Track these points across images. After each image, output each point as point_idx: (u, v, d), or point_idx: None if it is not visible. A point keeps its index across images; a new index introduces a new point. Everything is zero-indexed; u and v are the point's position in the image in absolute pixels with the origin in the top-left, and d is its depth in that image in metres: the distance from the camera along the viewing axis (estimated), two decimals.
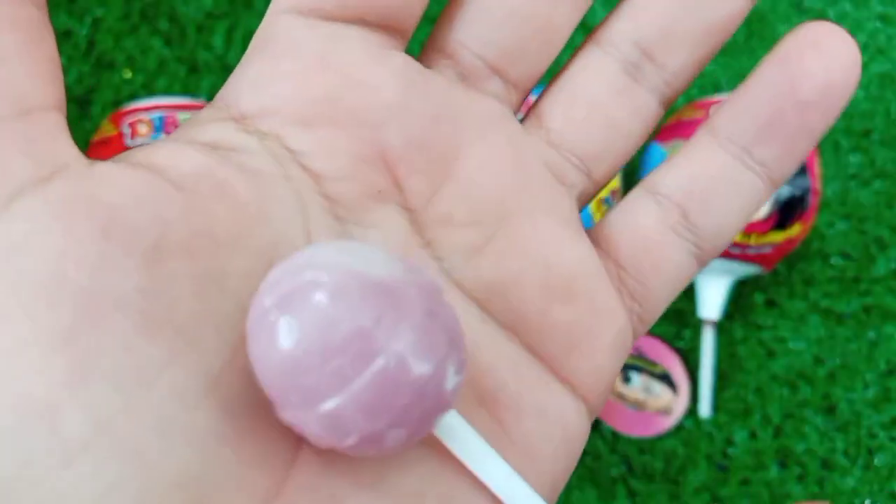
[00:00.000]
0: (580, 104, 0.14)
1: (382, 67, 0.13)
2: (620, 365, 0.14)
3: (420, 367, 0.10)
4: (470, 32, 0.14)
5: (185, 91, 0.44)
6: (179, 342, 0.10)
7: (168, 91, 0.44)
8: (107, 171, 0.11)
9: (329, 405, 0.10)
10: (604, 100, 0.14)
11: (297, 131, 0.12)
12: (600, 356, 0.14)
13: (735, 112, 0.14)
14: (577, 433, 0.14)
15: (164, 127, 0.35)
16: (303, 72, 0.12)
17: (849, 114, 0.46)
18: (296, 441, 0.11)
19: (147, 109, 0.35)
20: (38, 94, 0.11)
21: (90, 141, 0.37)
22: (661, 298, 0.15)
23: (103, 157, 0.37)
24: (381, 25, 0.13)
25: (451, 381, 0.11)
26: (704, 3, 0.14)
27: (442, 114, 0.13)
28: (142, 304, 0.10)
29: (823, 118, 0.14)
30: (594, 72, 0.14)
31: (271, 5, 0.13)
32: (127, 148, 0.34)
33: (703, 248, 0.15)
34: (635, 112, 0.15)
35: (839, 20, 0.48)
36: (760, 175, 0.14)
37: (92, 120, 0.43)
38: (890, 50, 0.48)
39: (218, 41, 0.45)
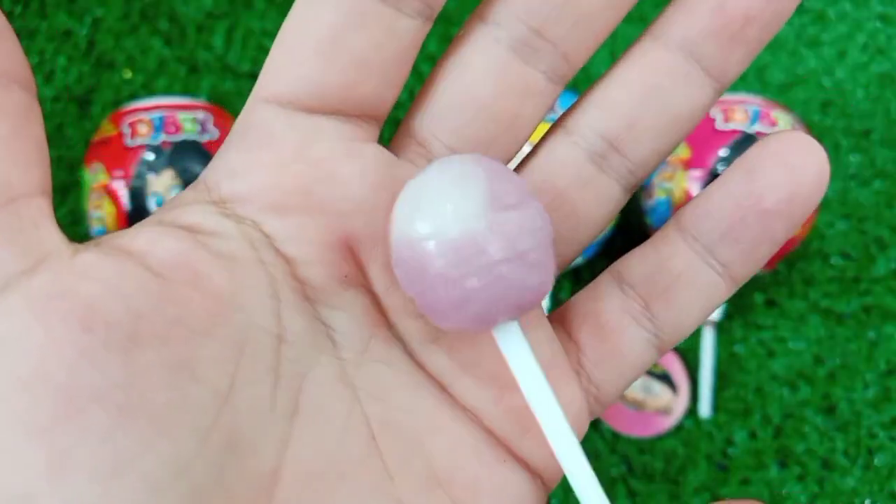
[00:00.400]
0: (546, 193, 0.15)
1: (353, 161, 0.13)
2: None
3: (505, 265, 0.12)
4: (440, 125, 0.14)
5: (185, 91, 0.44)
6: (152, 431, 0.11)
7: (168, 91, 0.44)
8: (87, 260, 0.12)
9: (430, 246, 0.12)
10: (569, 190, 0.15)
11: (271, 218, 0.13)
12: None
13: (702, 212, 0.15)
14: None
15: (163, 127, 0.35)
16: (278, 163, 0.13)
17: (849, 114, 0.46)
18: None
19: (147, 109, 0.35)
20: (24, 181, 0.12)
21: (90, 141, 0.37)
22: (618, 383, 0.15)
23: (103, 157, 0.37)
24: (357, 115, 0.14)
25: (531, 291, 0.13)
26: (668, 97, 0.14)
27: None
28: (117, 396, 0.11)
29: (786, 226, 0.14)
30: (561, 160, 0.15)
31: (253, 93, 0.14)
32: (127, 148, 0.34)
33: (661, 338, 0.15)
34: (599, 201, 0.15)
35: (839, 20, 0.48)
36: (722, 275, 0.15)
37: (92, 120, 0.43)
38: (890, 50, 0.48)
39: (218, 41, 0.45)
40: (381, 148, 0.14)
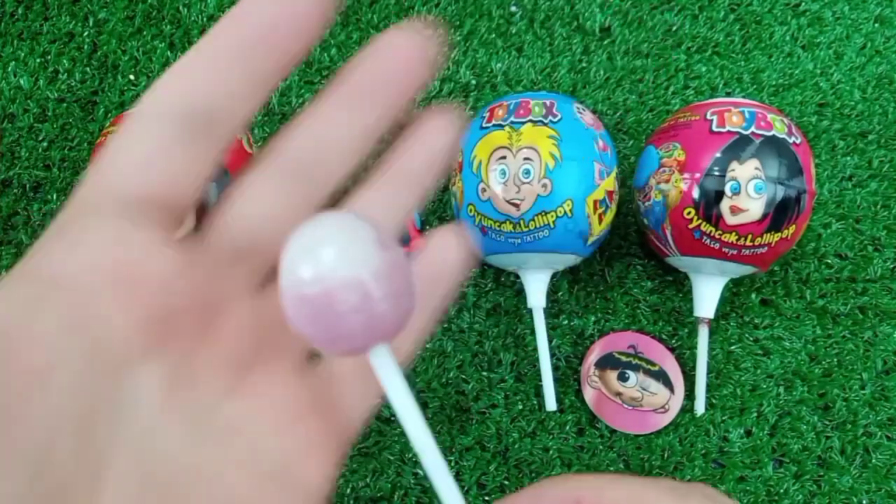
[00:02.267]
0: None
1: (160, 252, 0.16)
2: None
3: (381, 302, 0.15)
4: (233, 235, 0.17)
5: None
6: None
7: None
8: None
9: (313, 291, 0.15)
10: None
11: (93, 294, 0.15)
12: None
13: None
14: None
15: None
16: (100, 246, 0.15)
17: (845, 115, 0.46)
18: None
19: None
20: None
21: (96, 143, 0.38)
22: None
23: None
24: (167, 207, 0.16)
25: (396, 319, 0.15)
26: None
27: (204, 288, 0.17)
28: None
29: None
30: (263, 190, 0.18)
31: (83, 181, 0.16)
32: None
33: None
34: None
35: (836, 22, 0.48)
36: None
37: (97, 122, 0.43)
38: (887, 51, 0.48)
39: None
40: (184, 240, 0.17)
